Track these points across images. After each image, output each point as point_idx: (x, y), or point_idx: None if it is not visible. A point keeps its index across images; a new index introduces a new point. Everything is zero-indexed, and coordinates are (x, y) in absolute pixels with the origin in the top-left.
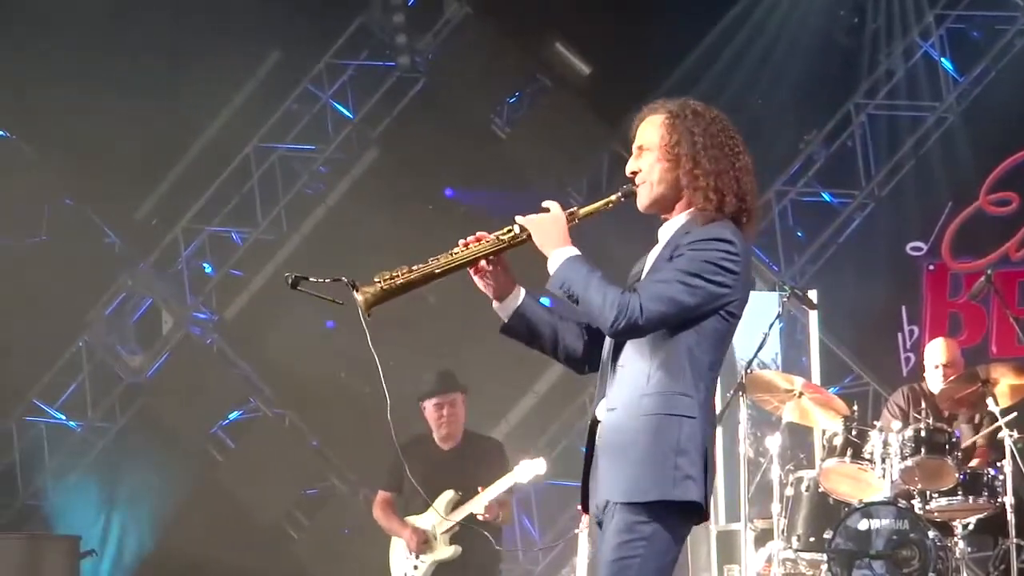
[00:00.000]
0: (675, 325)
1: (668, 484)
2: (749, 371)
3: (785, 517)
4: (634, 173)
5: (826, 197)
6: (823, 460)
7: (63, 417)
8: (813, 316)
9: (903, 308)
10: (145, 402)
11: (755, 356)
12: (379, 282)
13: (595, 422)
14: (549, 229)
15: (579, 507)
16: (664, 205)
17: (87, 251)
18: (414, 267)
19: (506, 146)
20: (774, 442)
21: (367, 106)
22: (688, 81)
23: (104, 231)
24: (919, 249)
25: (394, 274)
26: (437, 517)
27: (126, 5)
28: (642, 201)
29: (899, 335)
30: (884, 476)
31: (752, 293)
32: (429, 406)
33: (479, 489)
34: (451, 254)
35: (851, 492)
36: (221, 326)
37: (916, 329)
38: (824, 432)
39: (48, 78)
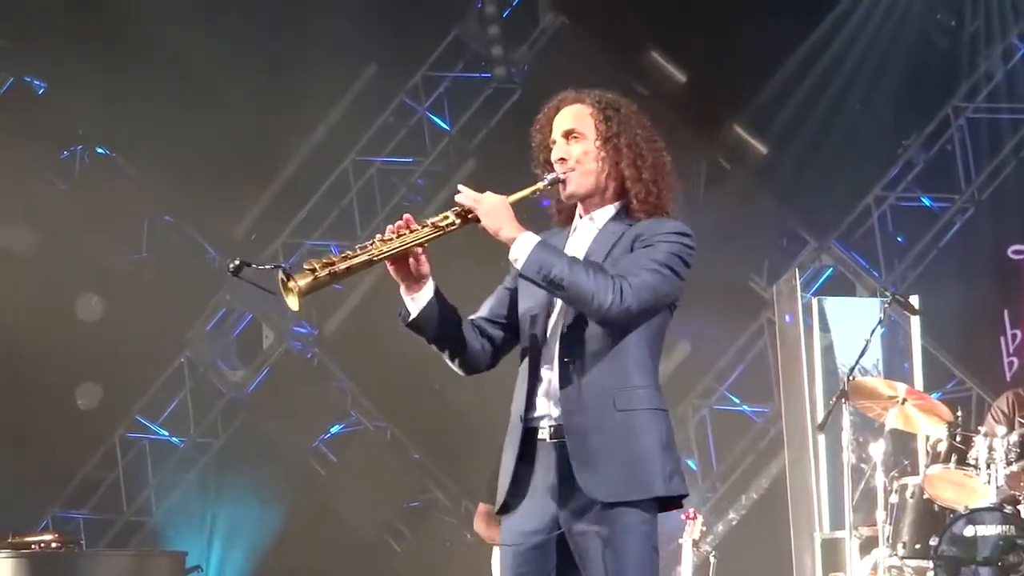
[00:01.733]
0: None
1: (664, 480)
2: (851, 378)
3: (890, 524)
4: (562, 160)
5: (926, 202)
6: (927, 466)
7: (166, 433)
8: (915, 322)
9: (1005, 312)
10: (246, 417)
11: (857, 363)
12: (312, 270)
13: (533, 428)
14: (501, 213)
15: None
16: (592, 194)
17: (187, 267)
18: (348, 253)
19: None
20: (877, 449)
21: (464, 118)
22: (785, 87)
23: (204, 247)
24: (1021, 252)
25: (329, 260)
26: None
27: (223, 22)
28: (573, 188)
29: (1002, 339)
30: (989, 482)
31: (853, 299)
32: None
33: None
34: (384, 240)
35: (956, 498)
36: (321, 340)
37: (1019, 333)
38: (928, 438)
39: (147, 96)
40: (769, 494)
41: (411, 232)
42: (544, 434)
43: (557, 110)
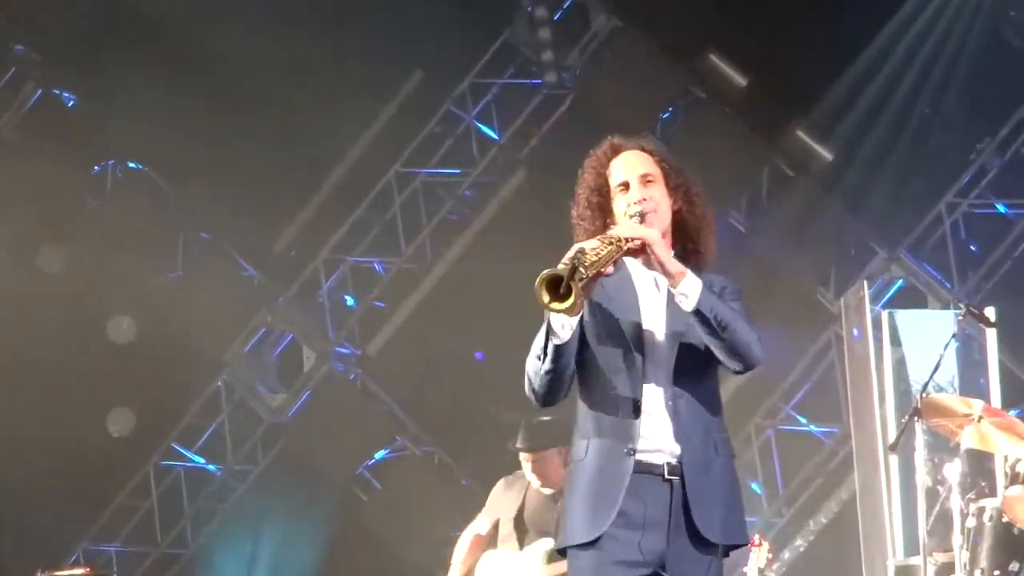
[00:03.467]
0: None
1: (746, 529)
2: (924, 395)
3: (967, 549)
4: (643, 200)
5: (1001, 208)
6: (1006, 488)
7: (202, 461)
8: (991, 335)
9: None
10: (287, 443)
11: (930, 379)
12: (574, 269)
13: (643, 461)
14: (663, 242)
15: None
16: None
17: (224, 286)
18: (583, 258)
19: None
20: (953, 470)
21: (513, 126)
22: (851, 90)
23: (241, 264)
24: None
25: (578, 259)
26: (532, 565)
27: (260, 29)
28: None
29: None
30: None
31: (925, 312)
32: (520, 455)
33: None
34: (599, 248)
35: None
36: (364, 361)
37: None
38: (1006, 458)
39: (180, 108)
40: (838, 519)
41: (608, 246)
42: (662, 470)
43: (615, 153)
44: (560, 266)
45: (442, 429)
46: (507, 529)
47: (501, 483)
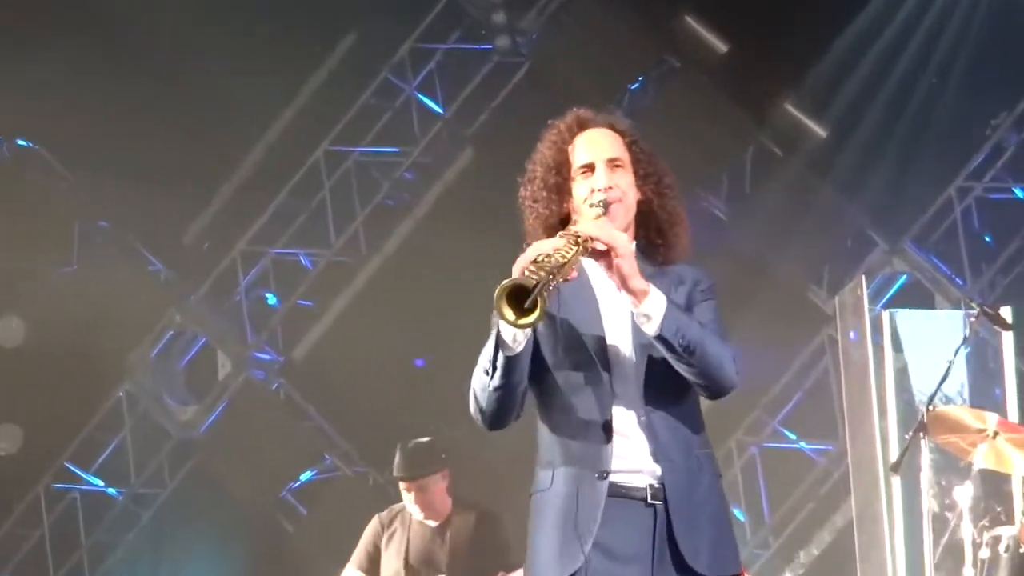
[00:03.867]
0: None
1: (739, 557)
2: (931, 408)
3: None
4: (608, 188)
5: (1019, 193)
6: None
7: (101, 483)
8: (1007, 338)
9: None
10: (199, 462)
11: (938, 389)
12: (537, 283)
13: (618, 485)
14: (634, 259)
15: None
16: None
17: (126, 282)
18: (547, 262)
19: None
20: (964, 493)
21: (460, 99)
22: (848, 59)
23: (147, 258)
24: None
25: (543, 267)
26: None
27: None
28: (616, 222)
29: None
30: None
31: (932, 312)
32: (400, 485)
33: None
34: (558, 253)
35: None
36: (288, 369)
37: None
38: None
39: (79, 80)
40: (833, 549)
41: (568, 248)
42: (643, 494)
43: (581, 128)
44: (526, 273)
45: (377, 447)
46: (393, 572)
47: (375, 521)
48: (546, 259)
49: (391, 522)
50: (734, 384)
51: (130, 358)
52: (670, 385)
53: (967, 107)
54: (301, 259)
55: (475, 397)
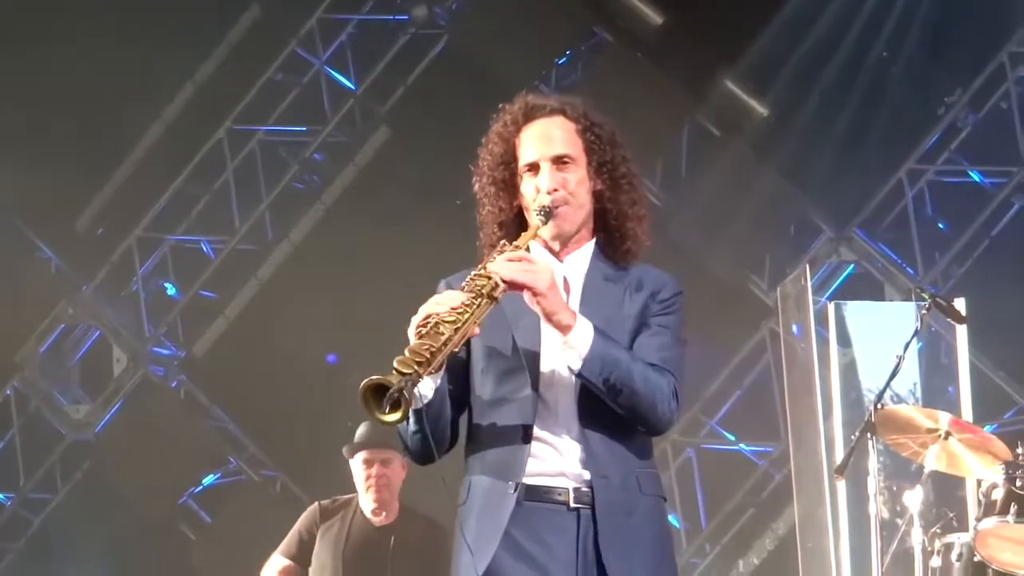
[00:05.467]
0: None
1: None
2: (880, 406)
3: None
4: (553, 191)
5: (975, 176)
6: (979, 520)
7: None
8: (961, 332)
9: None
10: (93, 465)
11: (887, 386)
12: (409, 373)
13: (539, 490)
14: (557, 293)
15: None
16: (578, 231)
17: (14, 272)
18: (427, 345)
19: None
20: (914, 498)
21: (373, 74)
22: (791, 33)
23: (36, 245)
24: None
25: (412, 357)
26: None
27: None
28: (566, 226)
29: None
30: None
31: (881, 304)
32: (357, 463)
33: None
34: (447, 321)
35: (1016, 560)
36: (190, 364)
37: None
38: (980, 483)
39: None
40: (774, 558)
41: (467, 308)
42: (563, 496)
43: (527, 120)
44: (396, 365)
45: (285, 449)
46: (328, 569)
47: (315, 507)
48: (431, 335)
49: (333, 512)
50: (665, 423)
51: (19, 353)
52: (600, 407)
53: (919, 84)
54: (203, 246)
55: (399, 436)
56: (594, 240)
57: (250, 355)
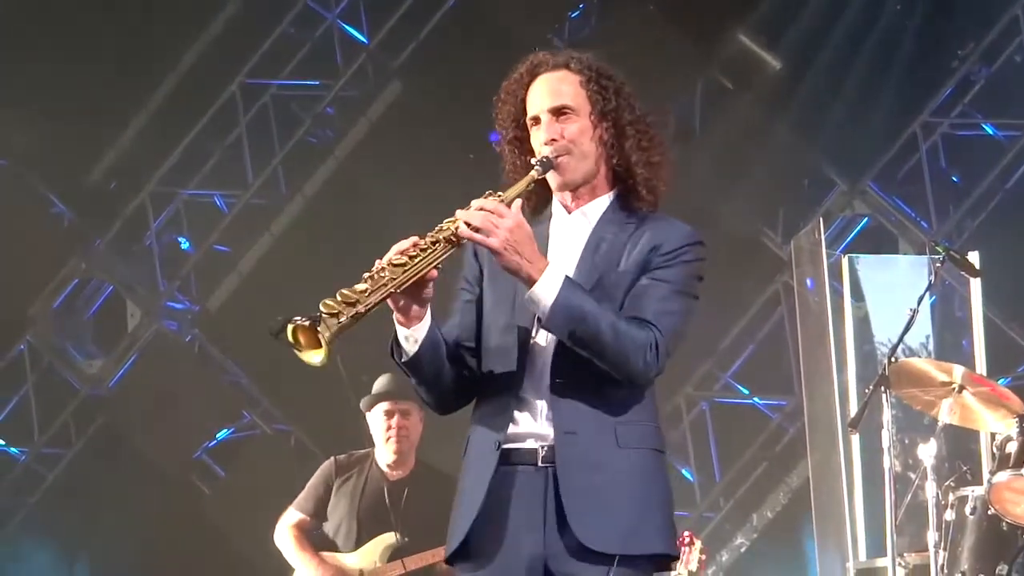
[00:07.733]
0: None
1: (667, 536)
2: (894, 360)
3: (945, 549)
4: (553, 141)
5: (988, 129)
6: (993, 473)
7: (1, 442)
8: (975, 286)
9: None
10: (108, 420)
11: (900, 340)
12: (334, 314)
13: (514, 451)
14: (522, 239)
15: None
16: (587, 181)
17: (27, 226)
18: (361, 289)
19: None
20: (928, 451)
21: (386, 27)
22: None
23: (49, 199)
24: None
25: (344, 298)
26: (368, 562)
27: None
28: (568, 176)
29: None
30: None
31: (894, 258)
32: (376, 415)
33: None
34: (395, 265)
35: None
36: (203, 319)
37: None
38: (993, 437)
39: None
40: (788, 512)
41: (423, 252)
42: (532, 457)
43: (532, 76)
44: (327, 304)
45: (299, 403)
46: (344, 524)
47: (330, 463)
48: (373, 278)
49: (349, 467)
50: (641, 376)
51: (32, 308)
52: (580, 360)
53: (932, 38)
54: (216, 201)
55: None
56: (613, 192)
57: (264, 309)
